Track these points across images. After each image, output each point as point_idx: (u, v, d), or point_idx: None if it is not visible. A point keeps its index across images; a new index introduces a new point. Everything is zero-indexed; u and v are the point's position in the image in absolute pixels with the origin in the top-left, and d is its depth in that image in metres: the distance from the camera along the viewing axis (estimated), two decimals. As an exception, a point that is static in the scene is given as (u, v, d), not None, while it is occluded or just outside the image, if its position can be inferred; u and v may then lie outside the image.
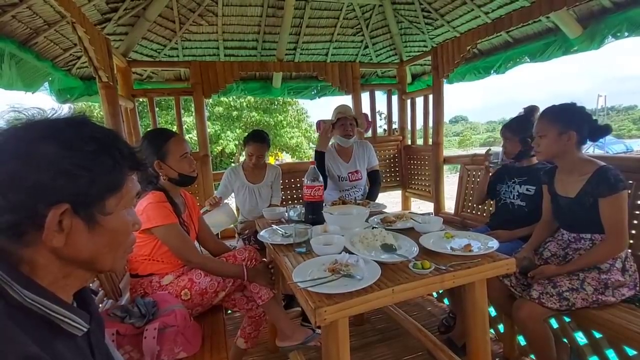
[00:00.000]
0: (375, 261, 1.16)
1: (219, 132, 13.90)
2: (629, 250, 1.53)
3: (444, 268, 1.13)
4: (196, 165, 1.67)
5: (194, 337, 1.29)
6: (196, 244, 1.69)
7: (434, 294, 2.73)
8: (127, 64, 2.67)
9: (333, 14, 3.19)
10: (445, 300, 2.58)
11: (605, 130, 1.49)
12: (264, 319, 1.76)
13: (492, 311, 2.13)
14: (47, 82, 2.45)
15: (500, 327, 2.05)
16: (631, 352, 1.45)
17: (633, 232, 1.66)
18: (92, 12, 2.30)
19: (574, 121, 1.48)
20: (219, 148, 14.01)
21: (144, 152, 1.45)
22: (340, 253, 1.24)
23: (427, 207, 3.47)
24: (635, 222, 1.66)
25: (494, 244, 1.28)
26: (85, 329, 0.55)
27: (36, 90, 2.30)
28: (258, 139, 2.45)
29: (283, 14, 3.00)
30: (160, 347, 1.20)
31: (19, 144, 0.50)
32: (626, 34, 1.97)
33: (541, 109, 1.67)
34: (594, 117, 1.53)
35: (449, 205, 3.03)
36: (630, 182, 1.67)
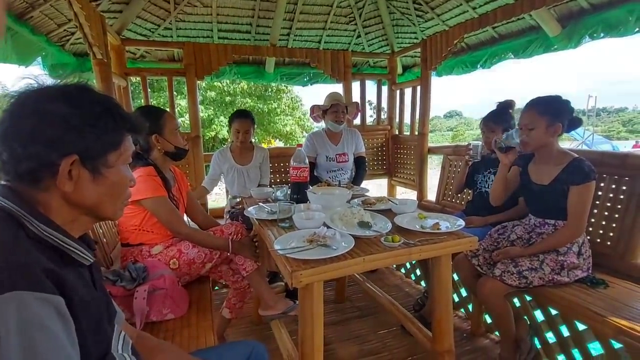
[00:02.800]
0: (351, 235, 1.27)
1: (212, 116, 13.68)
2: (588, 237, 1.67)
3: (412, 242, 1.24)
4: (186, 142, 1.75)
5: (181, 301, 1.39)
6: (185, 217, 1.77)
7: (412, 276, 2.88)
8: (121, 42, 2.69)
9: (326, 1, 3.22)
10: (423, 283, 2.73)
11: (579, 121, 1.61)
12: (248, 291, 1.86)
13: (464, 292, 2.28)
14: (40, 57, 2.48)
15: (470, 306, 2.20)
16: (581, 327, 1.60)
17: (592, 220, 1.80)
18: (87, -11, 2.31)
19: (560, 114, 1.57)
20: (212, 133, 13.84)
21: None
22: (320, 227, 1.34)
23: (411, 196, 3.59)
24: (595, 211, 1.80)
25: (460, 223, 1.40)
26: (91, 260, 0.65)
27: (29, 64, 2.33)
28: (242, 115, 2.55)
29: (277, -1, 3.04)
30: (149, 308, 1.29)
31: (37, 103, 0.58)
32: (602, 34, 2.08)
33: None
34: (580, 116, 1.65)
35: (432, 197, 3.15)
36: (594, 174, 1.80)
